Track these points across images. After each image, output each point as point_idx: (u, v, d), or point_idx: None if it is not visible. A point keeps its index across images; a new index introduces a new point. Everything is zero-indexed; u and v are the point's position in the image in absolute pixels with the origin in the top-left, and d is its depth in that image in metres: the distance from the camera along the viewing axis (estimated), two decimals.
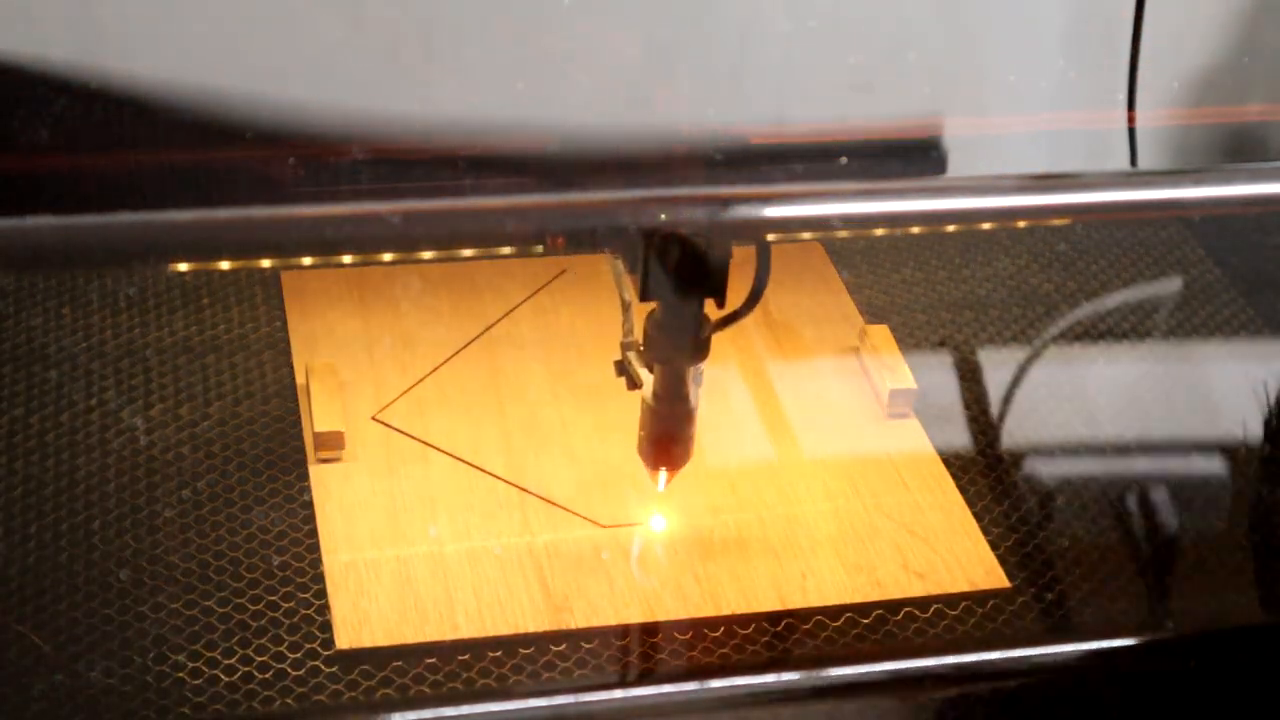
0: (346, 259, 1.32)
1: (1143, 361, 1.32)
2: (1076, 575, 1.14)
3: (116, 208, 0.88)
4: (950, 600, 1.11)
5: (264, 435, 1.18)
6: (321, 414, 1.16)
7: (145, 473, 1.14)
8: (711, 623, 1.09)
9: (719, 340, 1.28)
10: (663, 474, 1.11)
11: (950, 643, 1.09)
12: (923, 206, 1.06)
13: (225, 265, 1.31)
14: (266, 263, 1.30)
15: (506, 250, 1.35)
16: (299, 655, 1.04)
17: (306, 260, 1.31)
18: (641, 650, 1.08)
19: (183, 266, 1.30)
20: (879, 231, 1.39)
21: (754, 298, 1.03)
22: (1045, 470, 1.22)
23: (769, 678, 1.06)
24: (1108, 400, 1.28)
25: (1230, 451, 1.24)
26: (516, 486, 1.16)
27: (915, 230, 1.40)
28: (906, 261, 1.38)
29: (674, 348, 1.05)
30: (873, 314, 1.32)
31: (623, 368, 1.10)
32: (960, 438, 1.23)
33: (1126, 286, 1.37)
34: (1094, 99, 1.10)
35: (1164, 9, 1.11)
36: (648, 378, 1.08)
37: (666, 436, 1.09)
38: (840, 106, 1.03)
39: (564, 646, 1.06)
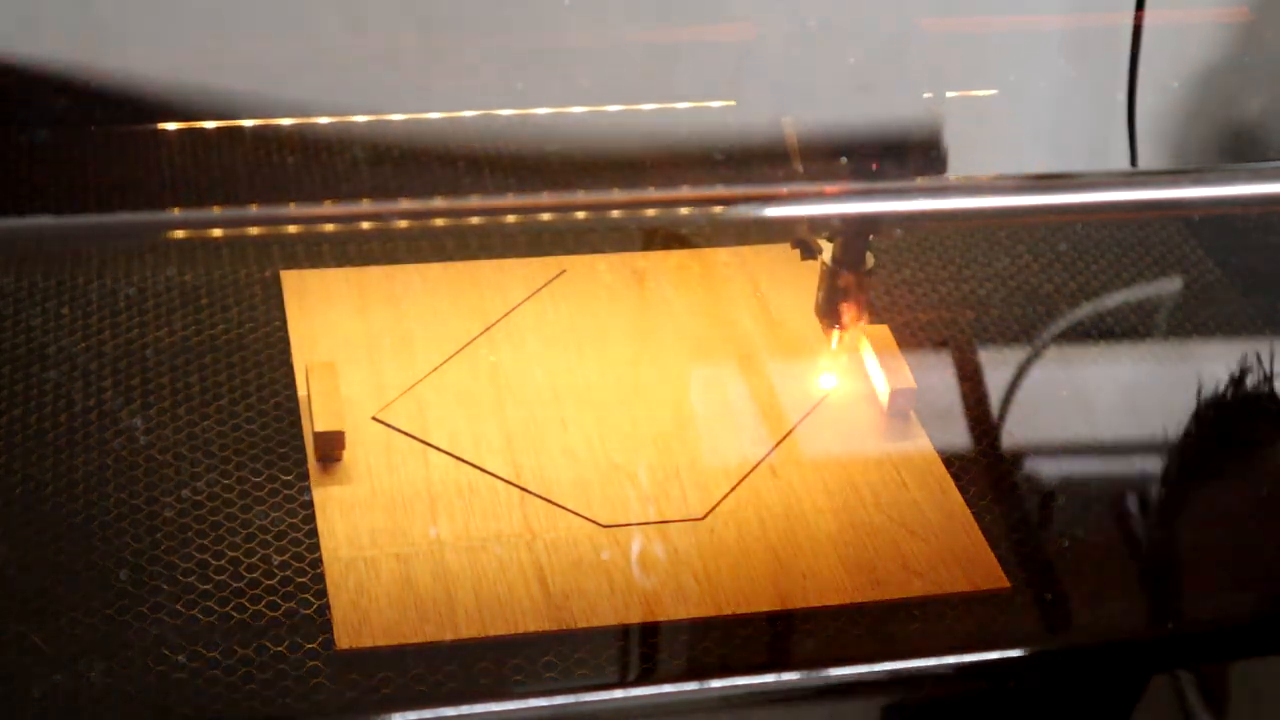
0: (346, 259, 1.32)
1: (1143, 361, 1.32)
2: (1076, 575, 1.14)
3: (116, 207, 0.88)
4: (950, 600, 1.11)
5: (264, 435, 1.18)
6: (321, 414, 1.16)
7: (145, 473, 1.14)
8: (711, 623, 1.09)
9: (718, 339, 1.28)
10: (835, 334, 1.21)
11: (950, 643, 1.09)
12: (923, 206, 1.06)
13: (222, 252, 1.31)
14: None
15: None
16: (299, 655, 1.04)
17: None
18: (641, 650, 1.08)
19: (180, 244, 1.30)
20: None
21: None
22: (1045, 470, 1.22)
23: (769, 678, 1.06)
24: (1108, 400, 1.27)
25: (1230, 451, 1.23)
26: (516, 486, 1.16)
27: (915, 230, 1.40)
28: (907, 261, 1.38)
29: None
30: (873, 314, 1.32)
31: (799, 239, 1.22)
32: (960, 438, 1.23)
33: (1126, 286, 1.37)
34: (1094, 99, 1.11)
35: (1164, 9, 1.11)
36: (826, 245, 1.18)
37: (844, 297, 1.18)
38: (840, 106, 1.03)
39: (564, 646, 1.06)
